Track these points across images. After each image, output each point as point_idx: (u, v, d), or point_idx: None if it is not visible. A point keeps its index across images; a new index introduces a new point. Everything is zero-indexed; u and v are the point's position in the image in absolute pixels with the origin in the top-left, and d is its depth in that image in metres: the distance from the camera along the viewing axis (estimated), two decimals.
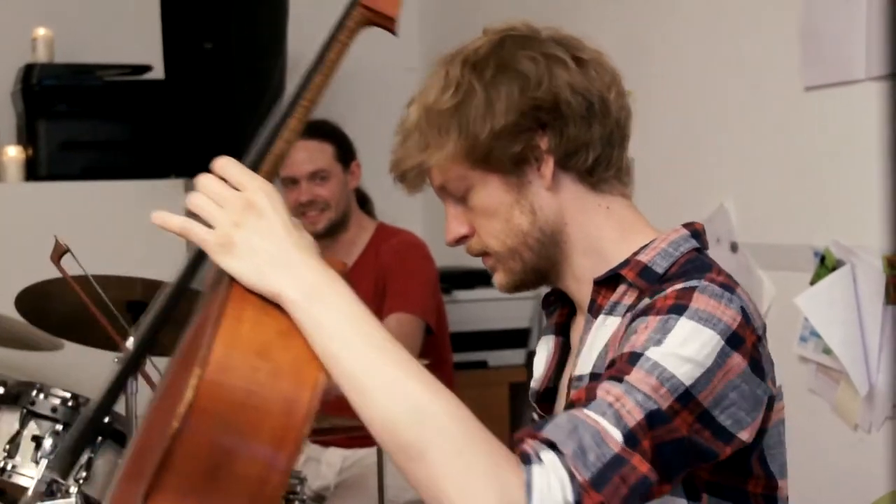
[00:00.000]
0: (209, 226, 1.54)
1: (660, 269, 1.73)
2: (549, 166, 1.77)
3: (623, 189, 1.83)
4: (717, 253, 3.50)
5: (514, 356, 4.75)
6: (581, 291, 1.82)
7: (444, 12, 5.40)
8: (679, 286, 1.64)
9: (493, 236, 1.79)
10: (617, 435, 1.49)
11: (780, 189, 3.36)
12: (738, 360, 1.61)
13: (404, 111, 1.83)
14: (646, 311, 1.63)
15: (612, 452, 1.48)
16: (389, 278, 3.92)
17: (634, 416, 1.50)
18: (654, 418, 1.51)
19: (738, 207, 3.51)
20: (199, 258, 1.58)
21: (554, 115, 1.75)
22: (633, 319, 1.65)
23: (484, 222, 1.79)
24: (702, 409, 1.56)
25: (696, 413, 1.56)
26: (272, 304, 1.49)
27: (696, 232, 1.81)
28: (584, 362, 1.76)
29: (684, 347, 1.56)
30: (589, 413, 1.50)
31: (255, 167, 1.60)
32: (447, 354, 4.06)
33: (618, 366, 1.57)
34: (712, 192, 3.54)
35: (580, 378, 1.74)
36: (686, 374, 1.55)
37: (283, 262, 1.50)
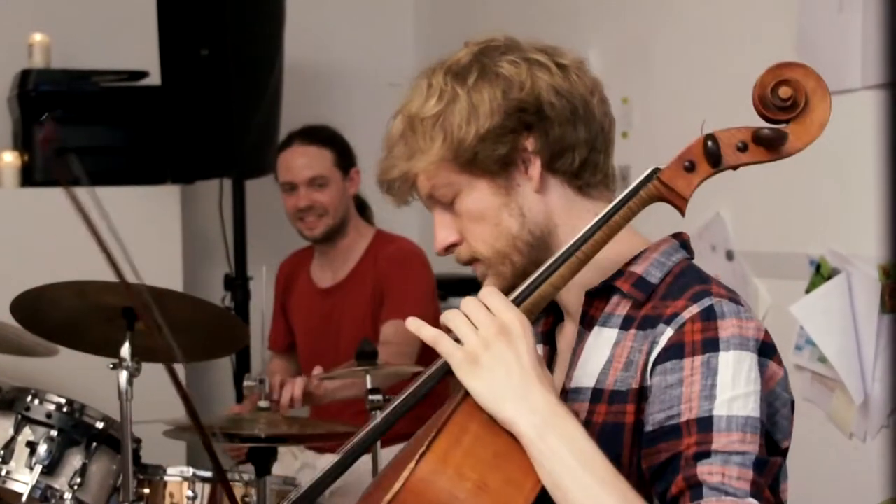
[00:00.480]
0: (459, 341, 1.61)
1: (654, 280, 1.75)
2: (536, 167, 1.78)
3: (610, 195, 1.84)
4: (713, 261, 3.50)
5: None
6: (569, 296, 1.82)
7: (440, 21, 5.40)
8: (696, 310, 1.66)
9: (482, 241, 1.80)
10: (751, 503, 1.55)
11: (775, 198, 3.36)
12: (774, 368, 1.68)
13: (388, 124, 1.85)
14: (677, 352, 1.64)
15: None
16: (387, 285, 3.92)
17: (745, 477, 1.57)
18: (759, 466, 1.58)
19: (734, 216, 3.51)
20: (441, 371, 1.66)
21: (538, 116, 1.76)
22: (656, 350, 1.66)
23: (472, 227, 1.80)
24: (765, 428, 1.62)
25: (764, 434, 1.62)
26: (497, 426, 1.56)
27: (685, 242, 1.84)
28: (581, 375, 1.76)
29: (737, 384, 1.61)
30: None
31: (518, 301, 1.67)
32: None
33: (692, 438, 1.59)
34: (708, 201, 3.54)
35: (577, 390, 1.75)
36: (753, 407, 1.60)
37: (521, 392, 1.56)
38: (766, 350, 1.66)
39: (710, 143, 1.67)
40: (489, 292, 1.65)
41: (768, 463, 1.59)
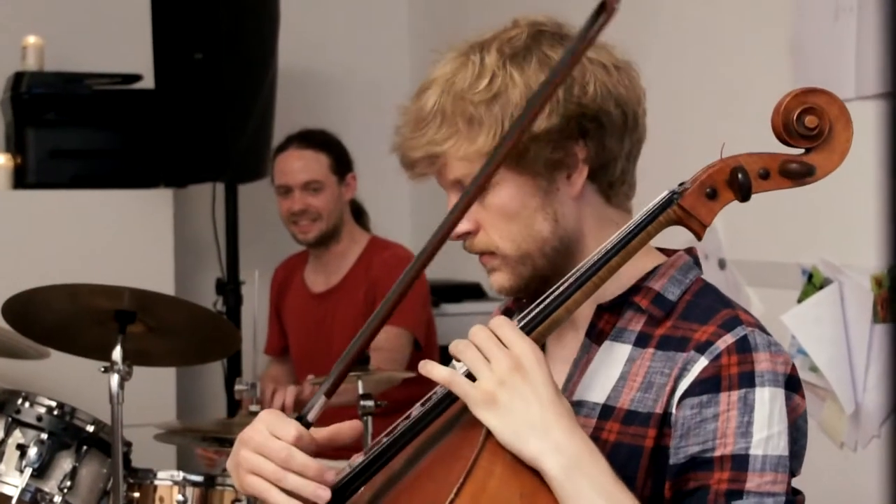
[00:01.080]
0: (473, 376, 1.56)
1: (672, 297, 1.70)
2: (582, 176, 1.70)
3: (629, 205, 1.79)
4: (706, 270, 3.49)
5: None
6: (578, 311, 1.72)
7: (435, 27, 5.40)
8: (730, 340, 1.62)
9: (509, 238, 1.71)
10: None
11: (768, 207, 3.35)
12: (798, 401, 1.65)
13: (418, 96, 1.72)
14: (713, 385, 1.61)
15: None
16: (380, 291, 3.92)
17: None
18: None
19: (726, 224, 3.51)
20: (447, 400, 1.61)
21: (596, 124, 1.69)
22: (688, 379, 1.62)
23: (500, 223, 1.71)
24: (791, 462, 1.62)
25: (790, 471, 1.61)
26: (521, 464, 1.52)
27: (696, 258, 1.79)
28: (587, 389, 1.71)
29: (772, 422, 1.59)
30: None
31: (529, 329, 1.61)
32: None
33: (726, 474, 1.57)
34: None
35: (582, 404, 1.70)
36: (784, 446, 1.59)
37: (543, 429, 1.52)
38: (792, 384, 1.63)
39: (740, 175, 1.62)
40: (500, 323, 1.58)
41: (795, 502, 1.61)
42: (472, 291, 4.85)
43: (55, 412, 3.19)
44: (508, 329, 1.57)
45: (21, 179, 4.66)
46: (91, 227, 4.61)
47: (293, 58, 4.97)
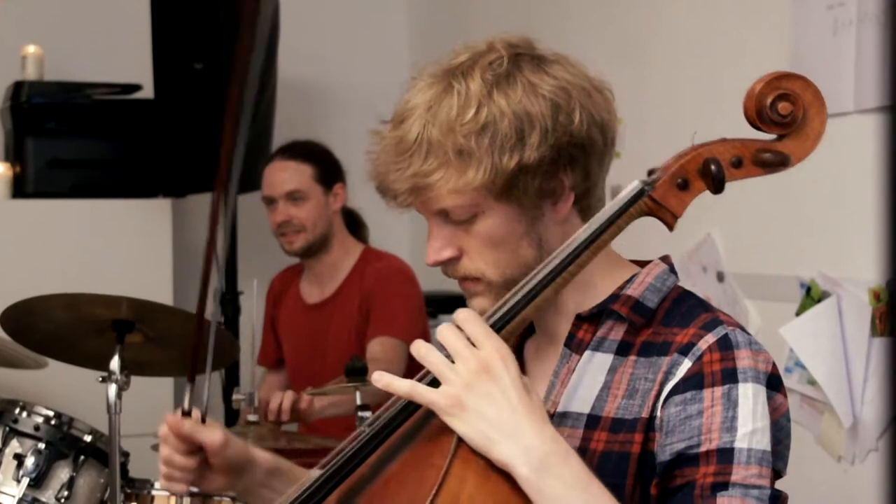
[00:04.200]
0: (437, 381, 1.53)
1: (651, 304, 1.70)
2: (567, 203, 1.70)
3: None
4: (704, 282, 3.50)
5: None
6: (558, 322, 1.75)
7: (434, 38, 5.41)
8: (711, 340, 1.62)
9: (494, 265, 1.68)
10: None
11: (767, 220, 3.37)
12: (780, 400, 1.65)
13: (398, 124, 1.69)
14: (696, 383, 1.61)
15: None
16: (373, 302, 3.91)
17: None
18: (774, 501, 1.57)
19: (725, 237, 3.52)
20: (409, 409, 1.58)
21: (582, 151, 1.67)
22: (671, 381, 1.62)
23: (485, 250, 1.68)
24: (773, 459, 1.61)
25: (773, 467, 1.61)
26: (494, 469, 1.49)
27: (671, 266, 1.79)
28: (570, 400, 1.70)
29: (756, 417, 1.59)
30: None
31: (498, 327, 1.58)
32: None
33: (711, 468, 1.57)
34: (699, 222, 3.55)
35: (566, 415, 1.69)
36: (767, 442, 1.59)
37: (513, 431, 1.49)
38: (773, 382, 1.64)
39: (713, 167, 1.61)
40: (467, 318, 1.54)
41: (780, 498, 1.59)
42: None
43: (53, 422, 3.19)
44: (476, 326, 1.54)
45: (20, 189, 4.66)
46: (90, 236, 4.61)
47: (292, 69, 4.98)
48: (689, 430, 1.59)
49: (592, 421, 1.67)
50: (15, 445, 3.17)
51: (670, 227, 1.64)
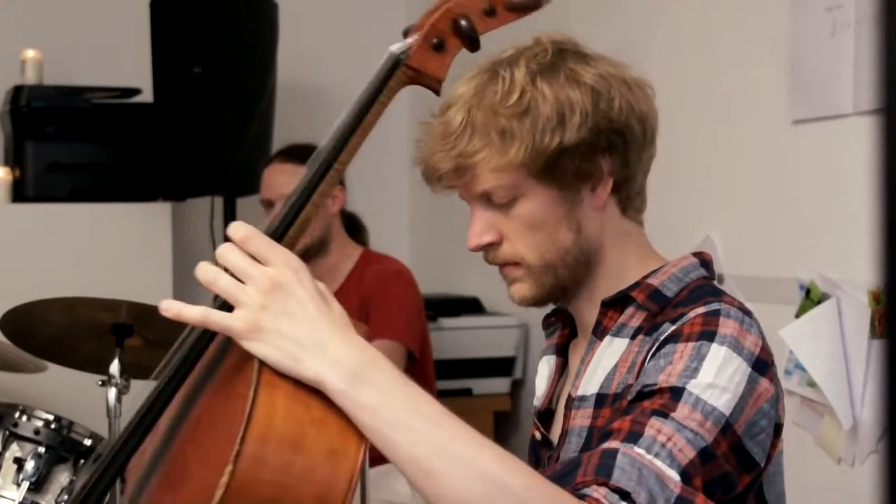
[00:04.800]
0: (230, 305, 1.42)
1: (669, 293, 1.73)
2: (606, 189, 1.74)
3: (640, 217, 1.83)
4: None
5: (499, 384, 4.74)
6: (592, 314, 1.79)
7: None
8: (702, 310, 1.65)
9: (534, 248, 1.73)
10: (675, 476, 1.49)
11: (766, 221, 3.37)
12: (766, 386, 1.63)
13: (444, 110, 1.74)
14: (674, 338, 1.63)
15: (675, 494, 1.48)
16: (372, 305, 3.91)
17: (687, 454, 1.51)
18: (705, 455, 1.53)
19: (724, 239, 3.52)
20: (207, 338, 1.47)
21: (622, 138, 1.72)
22: (656, 345, 1.64)
23: (525, 233, 1.73)
24: (735, 438, 1.58)
25: (731, 443, 1.58)
26: (304, 388, 1.39)
27: (705, 261, 1.82)
28: (587, 383, 1.74)
29: (720, 376, 1.57)
30: (643, 454, 1.49)
31: (279, 235, 1.49)
32: (431, 382, 4.06)
33: (659, 399, 1.55)
34: (699, 224, 3.55)
35: (583, 398, 1.73)
36: (725, 404, 1.57)
37: (318, 345, 1.39)
38: (759, 366, 1.63)
39: (463, 22, 1.55)
40: (246, 235, 1.43)
41: (716, 459, 1.55)
42: (470, 305, 4.85)
43: (53, 426, 3.19)
44: (258, 241, 1.43)
45: (20, 193, 4.66)
46: (89, 240, 4.61)
47: (292, 72, 4.98)
48: (653, 373, 1.60)
49: (601, 399, 1.70)
50: (15, 449, 3.17)
51: (437, 92, 1.60)
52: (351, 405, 1.38)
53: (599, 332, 1.76)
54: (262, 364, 1.39)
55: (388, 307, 3.91)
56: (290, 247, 1.49)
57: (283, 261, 1.43)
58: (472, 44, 1.58)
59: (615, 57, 1.81)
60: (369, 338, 1.48)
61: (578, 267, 1.75)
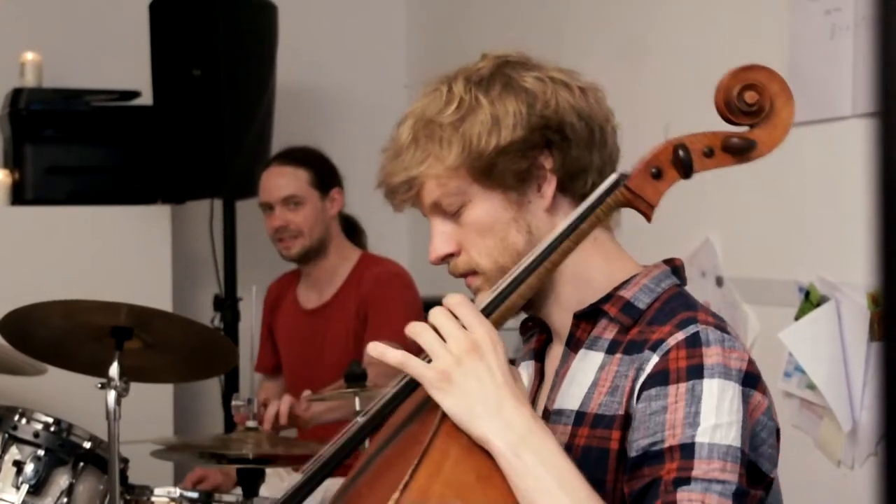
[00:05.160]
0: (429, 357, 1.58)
1: (642, 305, 1.73)
2: (551, 186, 1.76)
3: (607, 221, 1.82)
4: (703, 287, 3.50)
5: None
6: (562, 319, 1.80)
7: (432, 45, 5.41)
8: (681, 336, 1.65)
9: (486, 254, 1.76)
10: None
11: (765, 224, 3.37)
12: (759, 398, 1.65)
13: (395, 130, 1.80)
14: (662, 379, 1.63)
15: None
16: (371, 307, 3.91)
17: None
18: (738, 497, 1.57)
19: (723, 242, 3.52)
20: (408, 388, 1.64)
21: (560, 135, 1.74)
22: (642, 378, 1.65)
23: (477, 239, 1.76)
24: (748, 459, 1.61)
25: (746, 465, 1.60)
26: (477, 446, 1.54)
27: (676, 268, 1.82)
28: (564, 397, 1.75)
29: (721, 412, 1.59)
30: None
31: (487, 312, 1.63)
32: None
33: (673, 463, 1.58)
34: (698, 226, 3.55)
35: (560, 412, 1.74)
36: (734, 437, 1.59)
37: (495, 408, 1.54)
38: (749, 380, 1.64)
39: (681, 152, 1.66)
40: (458, 302, 1.60)
41: (748, 494, 1.59)
42: None
43: (52, 428, 3.18)
44: (466, 309, 1.59)
45: (19, 195, 4.67)
46: (89, 243, 4.61)
47: (291, 75, 4.98)
48: (653, 425, 1.61)
49: (580, 417, 1.71)
50: (14, 452, 3.17)
51: (648, 218, 1.67)
52: (510, 467, 1.52)
53: (573, 344, 1.78)
54: (445, 416, 1.55)
55: (387, 309, 3.91)
56: (496, 324, 1.63)
57: (485, 330, 1.58)
58: (687, 173, 1.66)
59: (566, 67, 1.83)
60: None
61: None
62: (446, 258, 1.80)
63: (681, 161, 1.65)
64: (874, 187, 0.67)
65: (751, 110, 1.65)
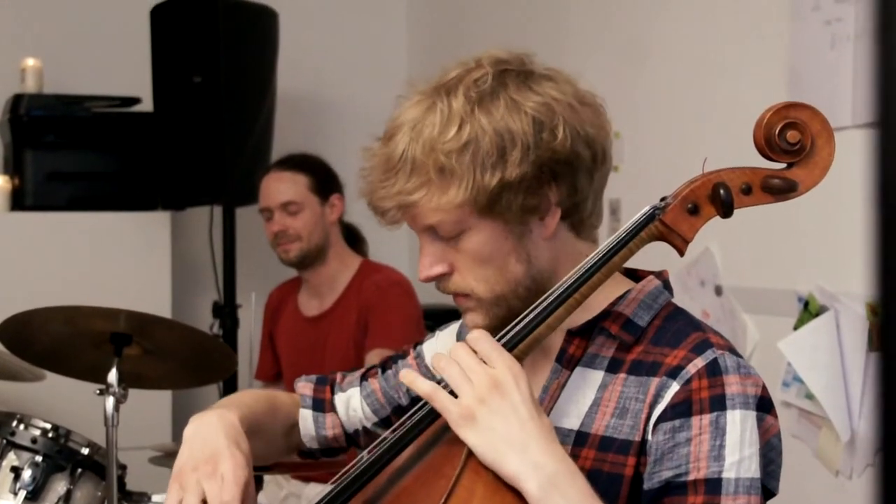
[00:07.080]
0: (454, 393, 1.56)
1: (642, 322, 1.71)
2: (555, 218, 1.69)
3: (595, 234, 1.79)
4: (702, 296, 3.50)
5: None
6: (552, 336, 1.72)
7: (433, 51, 5.41)
8: (700, 364, 1.63)
9: (483, 281, 1.70)
10: None
11: (765, 234, 3.37)
12: (771, 421, 1.65)
13: (385, 140, 1.71)
14: (685, 411, 1.61)
15: None
16: (371, 314, 3.91)
17: None
18: None
19: (723, 251, 3.52)
20: (430, 418, 1.63)
21: (568, 167, 1.67)
22: (662, 407, 1.63)
23: (474, 266, 1.70)
24: (761, 482, 1.61)
25: (761, 491, 1.61)
26: (503, 484, 1.52)
27: (666, 282, 1.79)
28: (560, 415, 1.71)
29: (744, 445, 1.59)
30: None
31: (510, 346, 1.62)
32: None
33: (698, 498, 1.57)
34: (698, 236, 3.54)
35: (556, 430, 1.68)
36: (755, 469, 1.59)
37: (522, 446, 1.52)
38: (763, 405, 1.63)
39: (723, 191, 1.63)
40: (479, 338, 1.58)
41: None
42: None
43: (50, 434, 3.18)
44: (488, 345, 1.58)
45: (19, 201, 4.67)
46: (88, 249, 4.61)
47: (291, 82, 4.98)
48: (677, 458, 1.60)
49: (581, 438, 1.68)
50: (12, 458, 3.17)
51: (681, 252, 1.65)
52: None
53: (565, 360, 1.73)
54: (471, 452, 1.54)
55: (388, 317, 3.91)
56: (519, 358, 1.60)
57: (507, 365, 1.56)
58: (727, 212, 1.64)
59: (563, 70, 1.75)
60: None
61: (531, 296, 1.70)
62: (437, 277, 1.74)
63: (721, 200, 1.63)
64: (873, 197, 0.67)
65: (792, 149, 1.63)
